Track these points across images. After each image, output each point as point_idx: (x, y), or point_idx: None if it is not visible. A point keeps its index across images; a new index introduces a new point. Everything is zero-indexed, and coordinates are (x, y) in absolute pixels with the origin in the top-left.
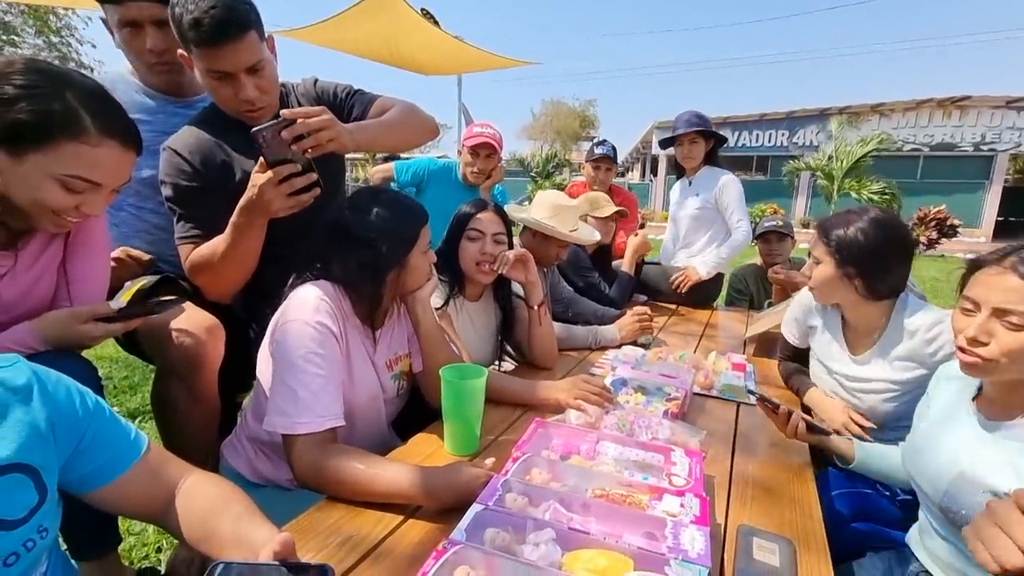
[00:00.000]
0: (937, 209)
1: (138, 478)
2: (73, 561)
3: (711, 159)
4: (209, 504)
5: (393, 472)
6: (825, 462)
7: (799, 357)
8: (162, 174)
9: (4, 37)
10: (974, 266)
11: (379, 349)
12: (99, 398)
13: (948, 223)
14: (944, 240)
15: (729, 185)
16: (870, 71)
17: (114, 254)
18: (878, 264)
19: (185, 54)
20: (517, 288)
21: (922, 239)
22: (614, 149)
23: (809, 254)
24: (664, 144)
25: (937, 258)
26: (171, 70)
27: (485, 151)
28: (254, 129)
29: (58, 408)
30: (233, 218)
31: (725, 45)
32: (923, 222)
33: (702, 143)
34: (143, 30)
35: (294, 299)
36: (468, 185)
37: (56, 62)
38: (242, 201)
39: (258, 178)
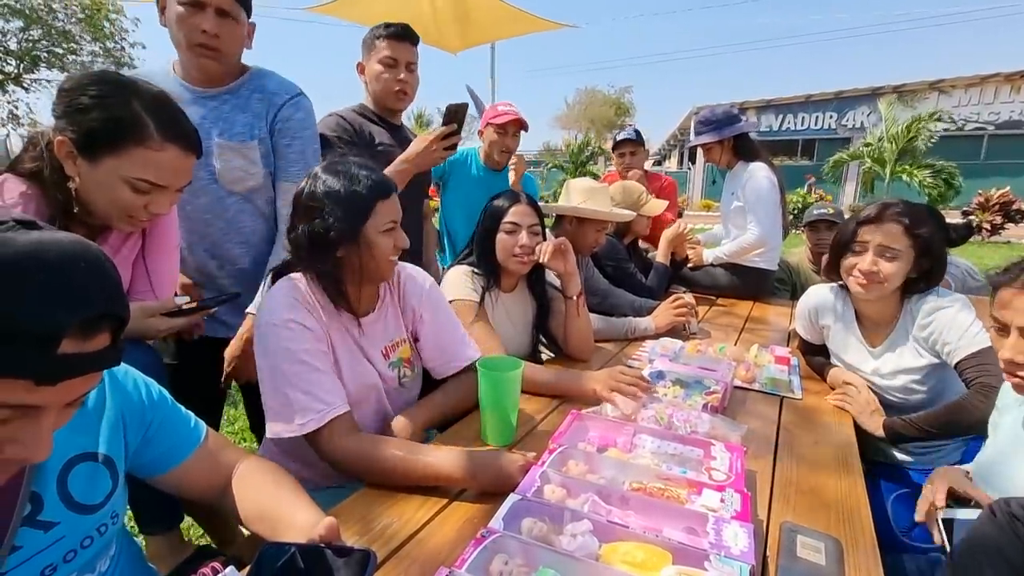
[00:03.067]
0: (1001, 192)
1: (199, 463)
2: (138, 537)
3: (740, 153)
4: (263, 488)
5: (434, 455)
6: (875, 461)
7: (818, 351)
8: (325, 130)
9: (65, 45)
10: (995, 284)
11: (370, 337)
12: (162, 388)
13: (1014, 207)
14: (1011, 225)
15: (751, 181)
16: (928, 44)
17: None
18: (944, 258)
19: (363, 63)
20: (552, 279)
21: (984, 225)
22: (637, 132)
23: (855, 246)
24: (692, 153)
25: (1003, 244)
26: (214, 57)
27: (513, 128)
28: (453, 104)
29: (128, 399)
30: (395, 164)
31: (767, 24)
32: (984, 208)
33: (716, 146)
34: (203, 12)
35: (267, 299)
36: (491, 169)
37: (111, 67)
38: (404, 154)
39: (428, 135)
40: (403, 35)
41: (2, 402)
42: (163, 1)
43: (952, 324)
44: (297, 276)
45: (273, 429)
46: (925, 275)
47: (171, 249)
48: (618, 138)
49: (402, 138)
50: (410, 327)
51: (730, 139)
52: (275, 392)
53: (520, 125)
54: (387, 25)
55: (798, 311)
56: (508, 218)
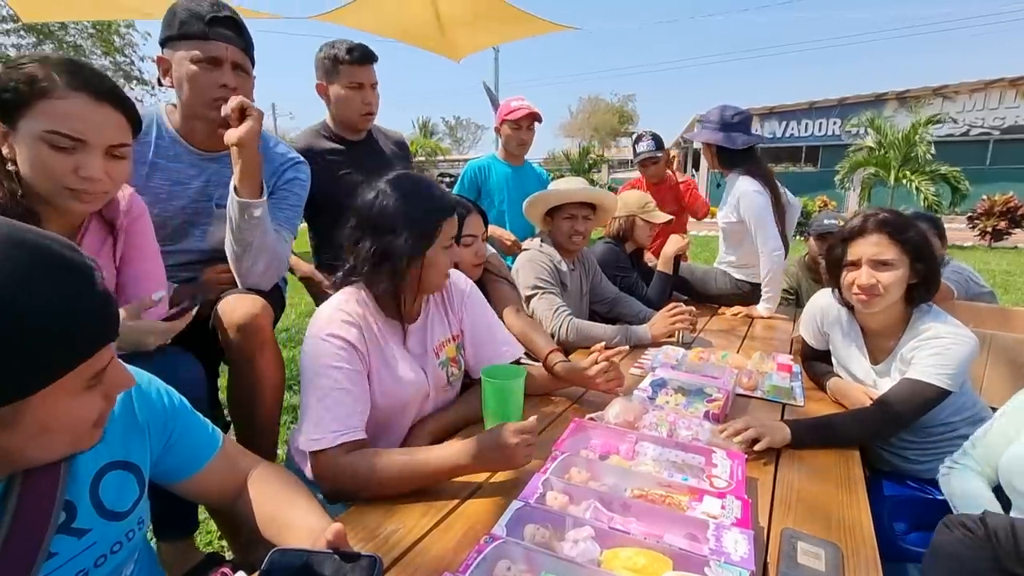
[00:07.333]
0: (1005, 198)
1: (216, 469)
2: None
3: (722, 161)
4: (275, 494)
5: (437, 453)
6: (876, 468)
7: (821, 357)
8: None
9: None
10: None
11: (419, 341)
12: (182, 396)
13: (1020, 212)
14: (1017, 230)
15: (744, 199)
16: (931, 50)
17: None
18: (936, 265)
19: (324, 84)
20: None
21: (988, 230)
22: (655, 139)
23: (848, 263)
24: (696, 159)
25: (1010, 250)
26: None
27: (527, 122)
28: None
29: (152, 408)
30: None
31: (769, 29)
32: (988, 214)
33: (706, 147)
34: (220, 68)
35: (317, 313)
36: (511, 165)
37: (121, 80)
38: None
39: None
40: (365, 58)
41: (102, 368)
42: (166, 63)
43: (933, 350)
44: (348, 289)
45: (294, 439)
46: (925, 280)
47: (152, 255)
48: (640, 149)
49: (363, 151)
50: (455, 328)
51: (714, 145)
52: (304, 405)
53: (534, 118)
54: (349, 50)
55: (805, 316)
56: (464, 231)
